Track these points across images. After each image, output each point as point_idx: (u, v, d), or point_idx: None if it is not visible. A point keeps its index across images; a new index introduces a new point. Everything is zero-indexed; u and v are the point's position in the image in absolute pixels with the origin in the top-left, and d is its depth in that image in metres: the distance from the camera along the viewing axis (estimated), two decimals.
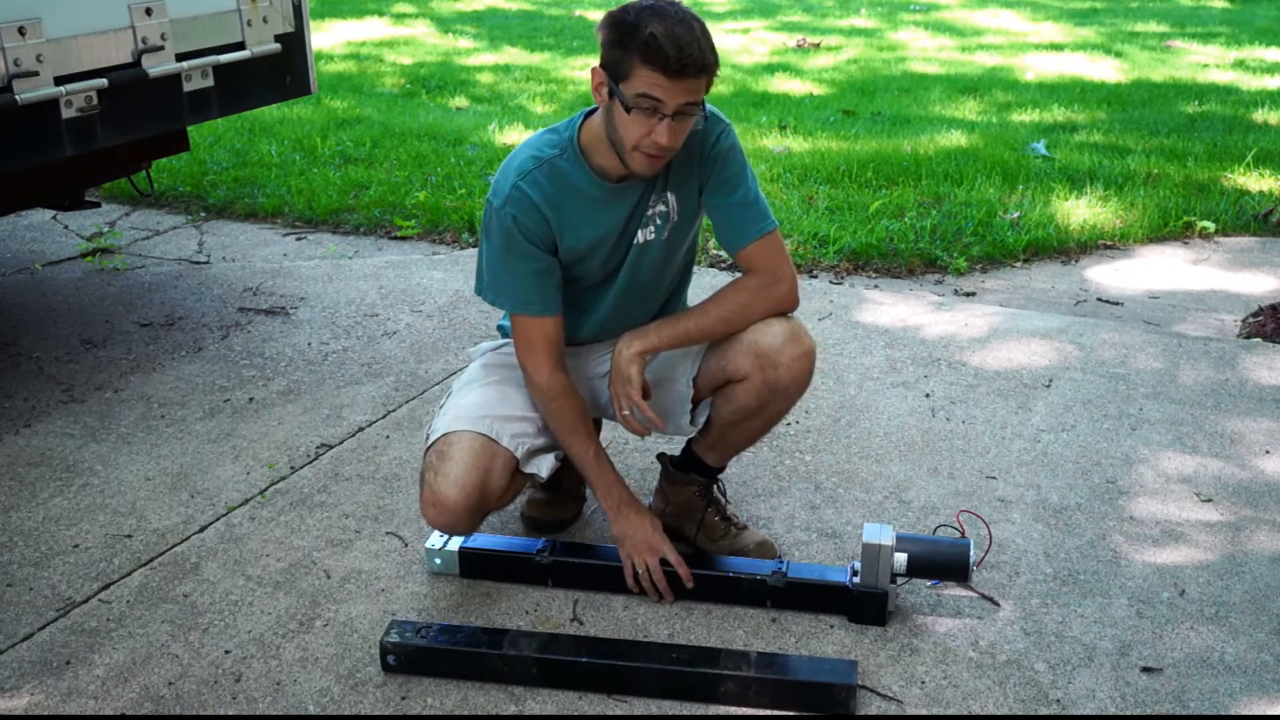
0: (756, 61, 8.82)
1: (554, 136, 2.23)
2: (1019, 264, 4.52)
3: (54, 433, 3.08)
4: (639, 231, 2.26)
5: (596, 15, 11.15)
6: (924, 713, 2.06)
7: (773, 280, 2.27)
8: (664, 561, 2.33)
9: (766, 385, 2.25)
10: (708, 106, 2.22)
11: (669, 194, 2.25)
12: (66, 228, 4.87)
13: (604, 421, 2.78)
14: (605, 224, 2.24)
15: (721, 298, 2.28)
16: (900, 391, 3.29)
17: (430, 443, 2.31)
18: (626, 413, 2.27)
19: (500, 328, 2.52)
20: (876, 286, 4.24)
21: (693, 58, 1.99)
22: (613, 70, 2.05)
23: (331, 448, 3.00)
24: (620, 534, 2.33)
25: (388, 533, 2.61)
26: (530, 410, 2.35)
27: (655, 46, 1.97)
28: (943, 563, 2.23)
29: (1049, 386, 3.31)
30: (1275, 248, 4.68)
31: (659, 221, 2.27)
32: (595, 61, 2.10)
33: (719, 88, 7.69)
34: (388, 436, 3.05)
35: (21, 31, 2.83)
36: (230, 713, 2.07)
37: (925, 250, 4.50)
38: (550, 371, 2.27)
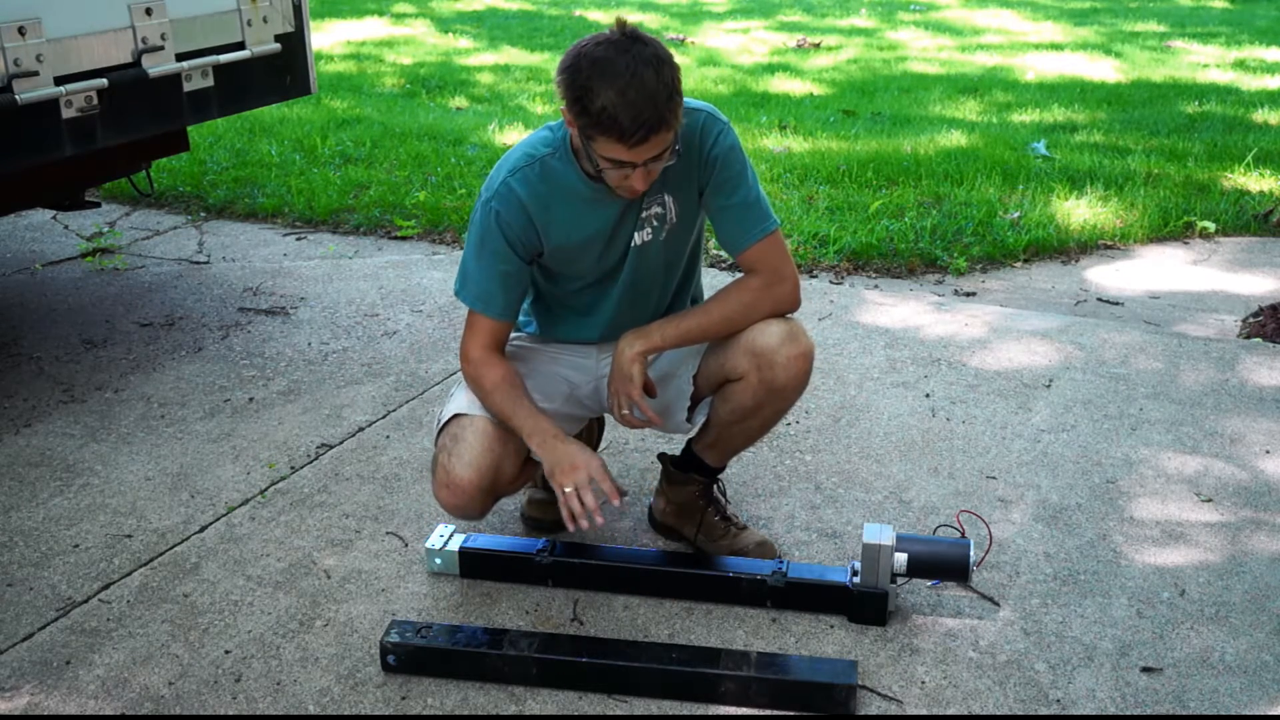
0: (756, 61, 8.81)
1: (549, 134, 2.23)
2: (1019, 264, 4.52)
3: (54, 433, 3.08)
4: (635, 234, 2.26)
5: (596, 15, 11.17)
6: (924, 713, 2.06)
7: (776, 280, 2.26)
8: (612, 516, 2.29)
9: (764, 385, 2.25)
10: (705, 106, 2.22)
11: (666, 195, 2.25)
12: (66, 228, 4.87)
13: (606, 424, 2.79)
14: (595, 224, 2.24)
15: (724, 297, 2.28)
16: (900, 391, 3.29)
17: (442, 425, 2.32)
18: (626, 411, 2.27)
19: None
20: (876, 286, 4.24)
21: (649, 123, 1.93)
22: (579, 130, 2.03)
23: (331, 448, 3.00)
24: (550, 466, 2.18)
25: (388, 533, 2.61)
26: (542, 401, 2.37)
27: (609, 122, 1.93)
28: (943, 563, 2.23)
29: (1049, 386, 3.31)
30: (1275, 248, 4.67)
31: (655, 223, 2.26)
32: None
33: (719, 88, 7.70)
34: (388, 436, 3.05)
35: (21, 31, 2.83)
36: (230, 713, 2.07)
37: (925, 250, 4.50)
38: (482, 348, 2.29)
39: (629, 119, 1.92)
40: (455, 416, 2.31)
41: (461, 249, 4.61)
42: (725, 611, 2.33)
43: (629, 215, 2.24)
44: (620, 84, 1.92)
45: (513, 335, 2.50)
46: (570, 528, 2.15)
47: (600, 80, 1.93)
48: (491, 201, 2.21)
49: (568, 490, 2.15)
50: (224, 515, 2.69)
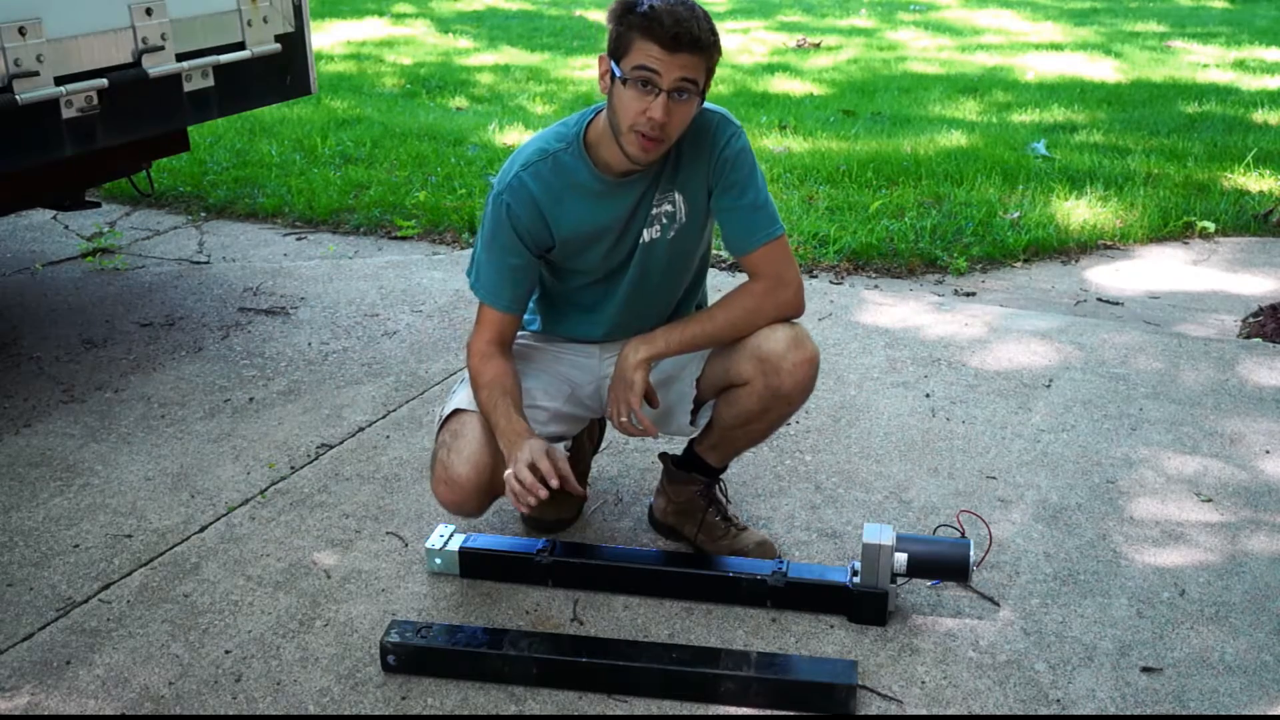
0: (756, 61, 8.81)
1: (563, 130, 2.26)
2: (1019, 264, 4.52)
3: (54, 433, 3.08)
4: (644, 230, 2.27)
5: (596, 15, 11.16)
6: (924, 713, 2.06)
7: (779, 285, 2.27)
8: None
9: (769, 390, 2.25)
10: (720, 109, 2.23)
11: (676, 194, 2.25)
12: (66, 228, 4.87)
13: (607, 425, 2.78)
14: (605, 218, 2.25)
15: (728, 302, 2.28)
16: (900, 391, 3.29)
17: (443, 420, 2.33)
18: (624, 419, 2.27)
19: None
20: (876, 286, 4.24)
21: (689, 31, 2.02)
22: (614, 49, 2.09)
23: (331, 448, 3.00)
24: (507, 461, 2.19)
25: (388, 533, 2.61)
26: (544, 400, 2.38)
27: (653, 17, 2.02)
28: (943, 563, 2.23)
29: (1049, 386, 3.31)
30: (1275, 248, 4.67)
31: (665, 221, 2.27)
32: (595, 60, 2.11)
33: (719, 88, 7.70)
34: (388, 436, 3.05)
35: (22, 31, 2.83)
36: (230, 713, 2.07)
37: (925, 250, 4.50)
38: (487, 343, 2.30)
39: (670, 20, 2.02)
40: (456, 412, 2.31)
41: (462, 249, 4.64)
42: (725, 611, 2.33)
43: (640, 211, 2.25)
44: (670, 1, 2.04)
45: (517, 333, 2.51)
46: (521, 509, 2.18)
47: None
48: (503, 195, 2.23)
49: (508, 473, 2.16)
50: (224, 515, 2.69)
